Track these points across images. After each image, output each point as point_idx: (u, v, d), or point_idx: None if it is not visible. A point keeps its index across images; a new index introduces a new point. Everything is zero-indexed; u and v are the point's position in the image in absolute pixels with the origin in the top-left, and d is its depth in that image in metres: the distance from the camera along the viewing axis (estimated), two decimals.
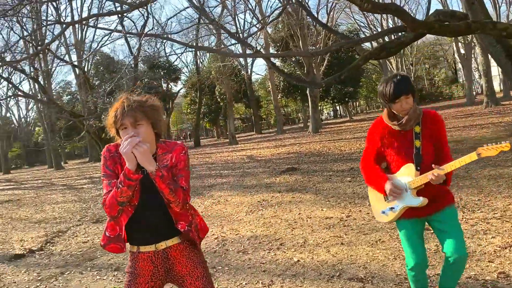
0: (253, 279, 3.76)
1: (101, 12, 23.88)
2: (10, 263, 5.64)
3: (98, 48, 33.93)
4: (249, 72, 34.22)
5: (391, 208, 2.52)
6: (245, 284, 3.70)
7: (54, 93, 41.69)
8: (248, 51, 17.77)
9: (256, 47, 11.16)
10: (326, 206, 6.15)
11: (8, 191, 17.19)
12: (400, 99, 2.38)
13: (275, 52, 24.00)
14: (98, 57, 35.12)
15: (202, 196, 8.69)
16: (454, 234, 2.38)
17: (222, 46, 18.73)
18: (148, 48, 35.10)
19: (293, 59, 23.66)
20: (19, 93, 20.96)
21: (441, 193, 2.48)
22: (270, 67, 17.09)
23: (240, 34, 13.80)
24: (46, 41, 17.38)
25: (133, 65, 25.43)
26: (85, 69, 29.30)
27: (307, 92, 23.04)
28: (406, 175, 2.47)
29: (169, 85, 38.60)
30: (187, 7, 27.47)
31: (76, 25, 28.41)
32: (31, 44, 21.81)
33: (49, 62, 30.59)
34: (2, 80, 23.26)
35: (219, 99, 34.72)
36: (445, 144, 2.49)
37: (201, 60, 39.38)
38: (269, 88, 33.37)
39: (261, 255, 4.41)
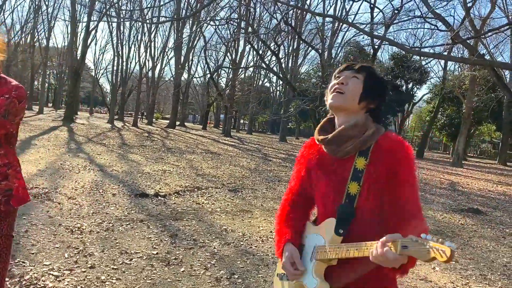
0: None
1: None
2: (131, 199, 6.37)
3: (350, 38, 34.71)
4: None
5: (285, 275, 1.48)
6: None
7: (304, 74, 45.36)
8: None
9: None
10: None
11: (227, 146, 19.77)
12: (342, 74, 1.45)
13: None
14: (350, 47, 35.91)
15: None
16: None
17: None
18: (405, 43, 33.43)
19: None
20: (263, 64, 23.39)
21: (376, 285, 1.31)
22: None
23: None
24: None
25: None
26: (332, 56, 30.39)
27: None
28: (322, 235, 1.38)
29: (413, 87, 36.11)
30: None
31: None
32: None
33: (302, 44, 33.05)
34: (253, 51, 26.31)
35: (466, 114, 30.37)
36: (408, 199, 1.30)
37: (457, 66, 35.09)
38: None
39: None
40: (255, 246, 4.54)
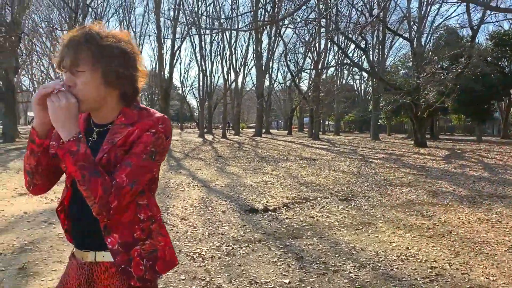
0: None
1: None
2: (242, 215, 6.05)
3: (440, 23, 32.02)
4: None
5: None
6: None
7: (391, 66, 42.94)
8: None
9: None
10: None
11: (319, 150, 19.12)
12: None
13: None
14: (441, 31, 33.09)
15: (476, 207, 6.67)
16: None
17: None
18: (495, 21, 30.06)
19: None
20: (348, 61, 22.34)
21: None
22: None
23: None
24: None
25: (470, 39, 22.45)
26: (422, 44, 28.20)
27: None
28: None
29: None
30: None
31: None
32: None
33: (387, 35, 31.22)
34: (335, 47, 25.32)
35: None
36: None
37: None
38: None
39: None
40: (396, 268, 3.87)
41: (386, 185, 8.89)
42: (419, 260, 4.07)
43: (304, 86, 47.66)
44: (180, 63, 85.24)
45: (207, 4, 30.50)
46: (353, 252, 4.37)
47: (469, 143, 27.78)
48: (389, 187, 8.63)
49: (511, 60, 30.70)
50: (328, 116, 50.05)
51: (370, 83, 40.96)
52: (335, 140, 30.12)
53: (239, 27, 30.01)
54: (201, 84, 32.70)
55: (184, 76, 70.27)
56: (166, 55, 35.46)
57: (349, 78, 52.28)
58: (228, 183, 8.90)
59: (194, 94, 58.48)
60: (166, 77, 28.24)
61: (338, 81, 44.39)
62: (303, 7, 24.53)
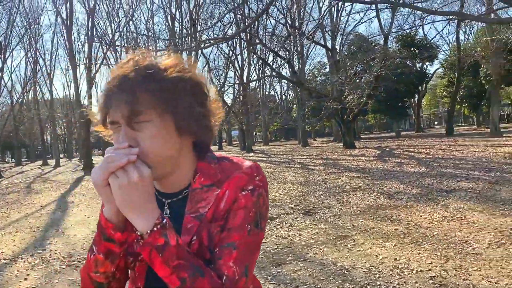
0: None
1: None
2: None
3: (352, 28, 33.98)
4: None
5: None
6: None
7: (308, 74, 44.67)
8: None
9: None
10: None
11: (262, 163, 19.00)
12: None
13: None
14: (352, 37, 35.06)
15: (434, 204, 6.89)
16: None
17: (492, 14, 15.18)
18: (404, 23, 32.59)
19: None
20: (274, 73, 22.69)
21: None
22: None
23: None
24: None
25: (382, 43, 24.00)
26: (337, 50, 29.65)
27: None
28: None
29: (424, 65, 35.20)
30: None
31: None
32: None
33: (305, 44, 32.36)
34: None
35: (483, 81, 29.36)
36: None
37: (466, 35, 34.29)
38: None
39: None
40: (397, 284, 3.73)
41: (339, 192, 8.93)
42: (414, 272, 3.97)
43: (228, 99, 47.76)
44: (96, 87, 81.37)
45: (122, 27, 29.28)
46: (345, 272, 4.17)
47: (390, 140, 29.52)
48: (343, 194, 8.67)
49: (417, 58, 33.29)
50: (255, 127, 50.62)
51: (292, 92, 42.19)
52: (267, 150, 30.35)
53: (158, 46, 29.21)
54: None
55: None
56: (81, 80, 33.40)
57: (271, 88, 53.40)
58: None
59: None
60: (85, 103, 26.52)
61: (262, 92, 45.14)
62: (225, 21, 24.57)
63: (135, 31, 32.46)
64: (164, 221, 0.82)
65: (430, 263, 4.14)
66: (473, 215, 5.85)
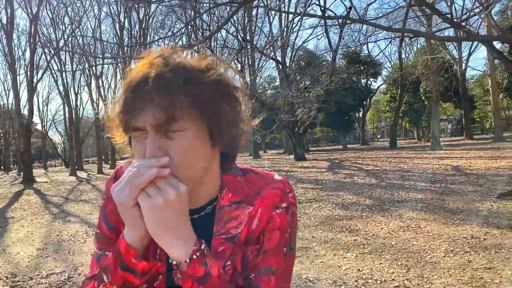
0: None
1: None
2: None
3: (302, 44, 34.99)
4: (463, 66, 29.55)
5: None
6: None
7: (259, 87, 45.16)
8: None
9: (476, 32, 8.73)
10: None
11: None
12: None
13: (504, 35, 19.06)
14: (301, 53, 35.99)
15: (388, 214, 7.10)
16: None
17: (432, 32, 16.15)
18: (350, 41, 33.94)
19: None
20: None
21: None
22: (494, 57, 13.70)
23: (456, 19, 11.26)
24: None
25: (331, 59, 24.83)
26: (287, 64, 30.27)
27: None
28: None
29: (369, 81, 36.84)
30: None
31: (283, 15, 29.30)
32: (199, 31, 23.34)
33: (255, 57, 32.78)
34: None
35: (423, 97, 31.24)
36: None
37: (407, 53, 36.33)
38: (487, 87, 28.15)
39: None
40: None
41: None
42: (378, 282, 4.02)
43: None
44: (38, 96, 77.26)
45: (68, 35, 28.04)
46: (310, 284, 4.14)
47: (338, 152, 30.39)
48: (299, 205, 8.71)
49: (363, 74, 34.73)
50: None
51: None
52: None
53: (105, 56, 28.24)
54: (67, 116, 29.81)
55: (43, 111, 62.88)
56: (21, 89, 31.50)
57: None
58: None
59: (57, 129, 53.09)
60: (25, 113, 25.05)
61: None
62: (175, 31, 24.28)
63: (80, 39, 31.25)
64: (202, 247, 0.71)
65: (392, 273, 4.22)
66: (427, 225, 6.08)
